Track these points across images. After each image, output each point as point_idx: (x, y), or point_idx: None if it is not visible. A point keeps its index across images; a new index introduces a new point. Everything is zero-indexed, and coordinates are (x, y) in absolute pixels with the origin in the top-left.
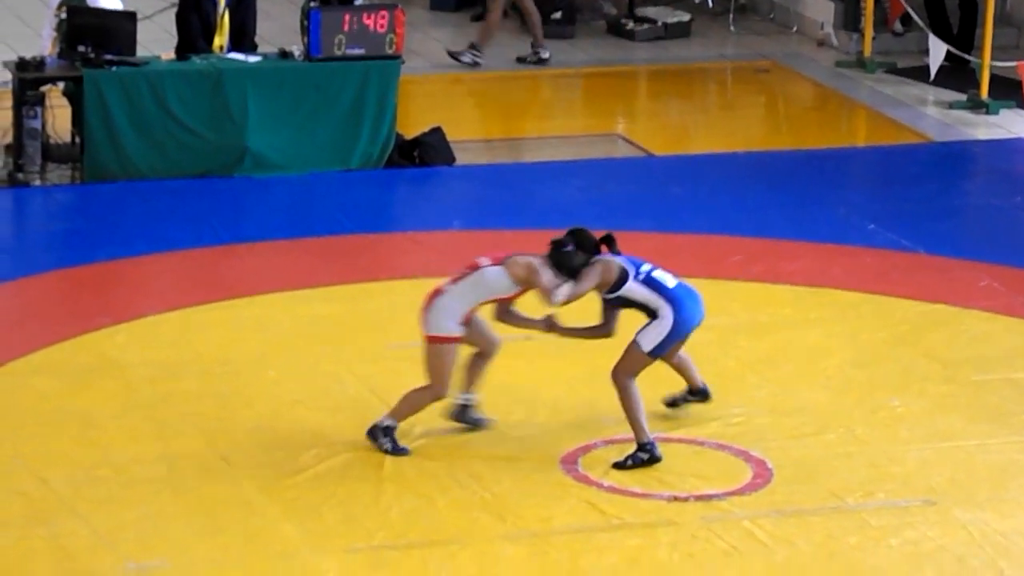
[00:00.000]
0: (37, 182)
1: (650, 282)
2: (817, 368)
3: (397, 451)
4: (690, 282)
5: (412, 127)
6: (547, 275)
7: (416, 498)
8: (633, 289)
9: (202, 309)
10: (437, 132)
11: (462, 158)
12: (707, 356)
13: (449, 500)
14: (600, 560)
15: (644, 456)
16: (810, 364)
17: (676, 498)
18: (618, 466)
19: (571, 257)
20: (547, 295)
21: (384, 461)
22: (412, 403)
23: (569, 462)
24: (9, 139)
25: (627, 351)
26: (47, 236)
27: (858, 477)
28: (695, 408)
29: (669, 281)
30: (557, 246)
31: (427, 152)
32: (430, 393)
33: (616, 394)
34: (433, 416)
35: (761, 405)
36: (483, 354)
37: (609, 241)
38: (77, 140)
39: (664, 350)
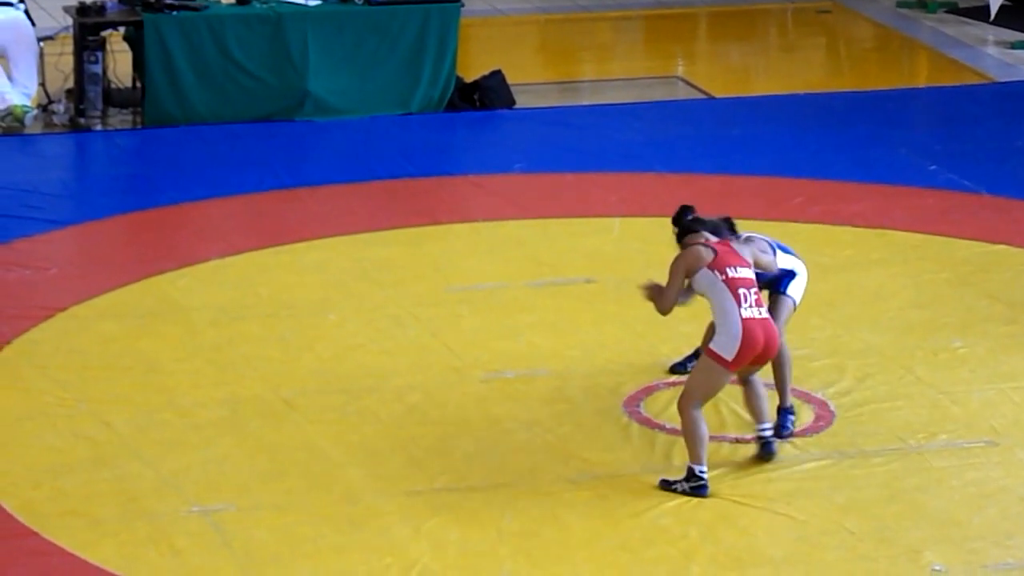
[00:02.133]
0: (98, 127)
1: (783, 248)
2: (879, 310)
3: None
4: (751, 224)
5: (472, 70)
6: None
7: (478, 442)
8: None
9: (264, 253)
10: (497, 75)
11: (522, 101)
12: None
13: (511, 444)
14: (662, 503)
15: (792, 417)
16: (871, 306)
17: (739, 440)
18: (770, 448)
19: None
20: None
21: (448, 405)
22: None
23: (631, 405)
24: (70, 84)
25: (782, 309)
26: (109, 181)
27: (920, 419)
28: None
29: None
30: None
31: (487, 95)
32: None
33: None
34: (492, 361)
35: (823, 347)
36: None
37: (729, 223)
38: (138, 85)
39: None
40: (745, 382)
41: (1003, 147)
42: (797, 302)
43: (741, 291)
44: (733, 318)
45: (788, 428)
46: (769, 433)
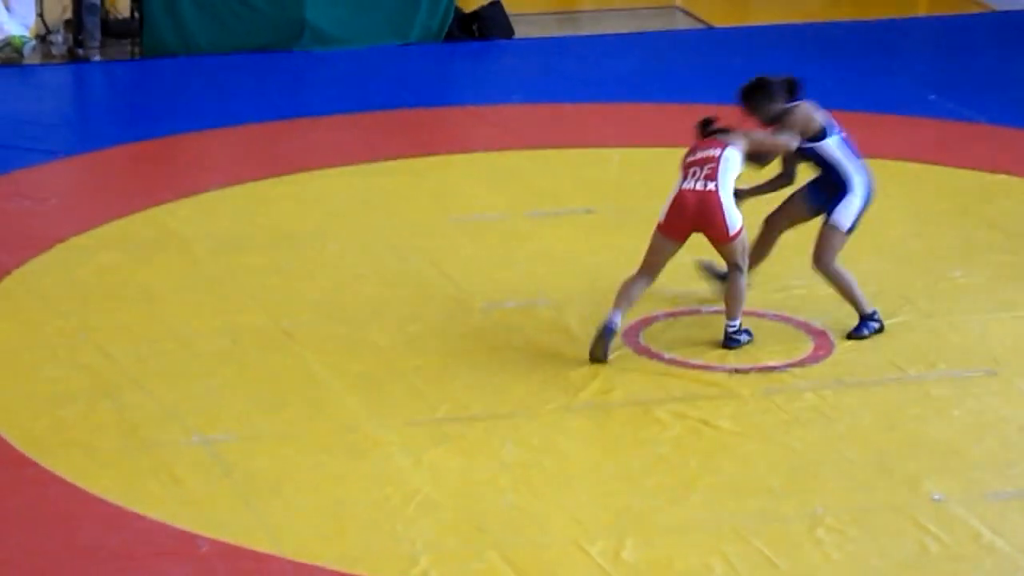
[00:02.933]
0: (97, 57)
1: (845, 145)
2: (878, 239)
3: (750, 337)
4: None
5: (471, 1)
6: (763, 132)
7: (478, 371)
8: (830, 147)
9: (264, 184)
10: (496, 5)
11: (521, 31)
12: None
13: (512, 373)
14: (662, 432)
15: (876, 324)
16: (871, 235)
17: (738, 370)
18: (853, 335)
19: (769, 100)
20: (783, 145)
21: (448, 335)
22: (739, 295)
23: (631, 335)
24: (69, 15)
25: (828, 237)
26: (108, 112)
27: (920, 348)
28: (756, 281)
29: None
30: (750, 95)
31: (486, 25)
32: (741, 273)
33: (828, 282)
34: (493, 291)
35: (821, 277)
36: None
37: (792, 85)
38: (136, 15)
39: (857, 224)
40: (725, 277)
41: (1003, 76)
42: (845, 227)
43: (691, 169)
44: (674, 191)
45: (863, 332)
46: (732, 330)
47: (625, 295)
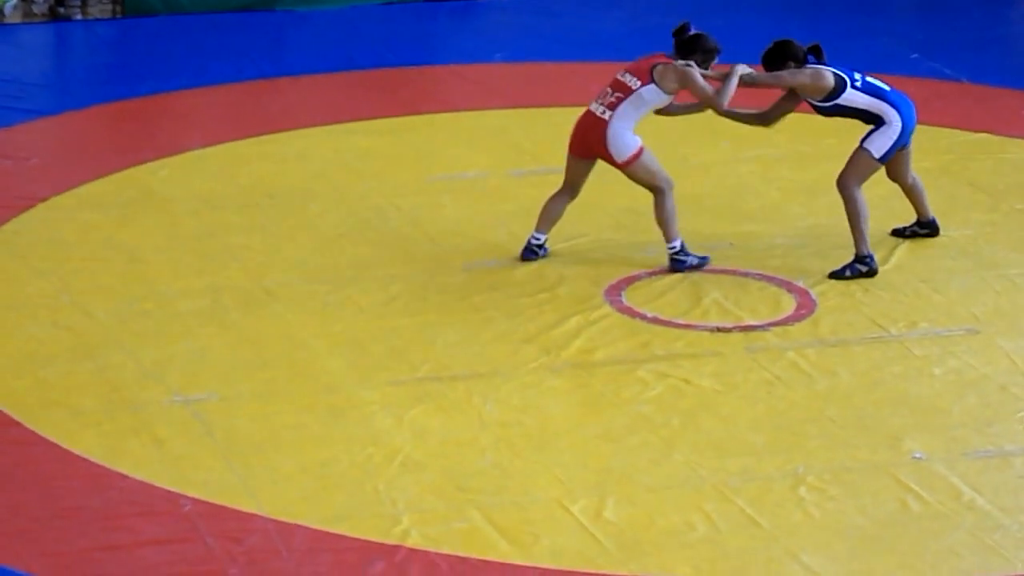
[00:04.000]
0: (78, 16)
1: (869, 88)
2: None
3: (702, 260)
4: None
5: None
6: (701, 80)
7: (460, 331)
8: (854, 97)
9: (245, 143)
10: None
11: None
12: (750, 187)
13: (493, 333)
14: (644, 391)
15: (863, 268)
16: None
17: (720, 329)
18: (834, 275)
19: (699, 41)
20: (711, 100)
21: (429, 295)
22: (667, 216)
23: (613, 293)
24: None
25: (856, 159)
26: (89, 71)
27: (901, 307)
28: (739, 239)
29: (885, 86)
30: (680, 35)
31: None
32: (662, 195)
33: (843, 203)
34: (474, 250)
35: (804, 235)
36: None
37: (817, 51)
38: None
39: (891, 155)
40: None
41: (984, 35)
42: (876, 154)
43: (605, 89)
44: None
45: (845, 273)
46: (673, 251)
47: (546, 214)
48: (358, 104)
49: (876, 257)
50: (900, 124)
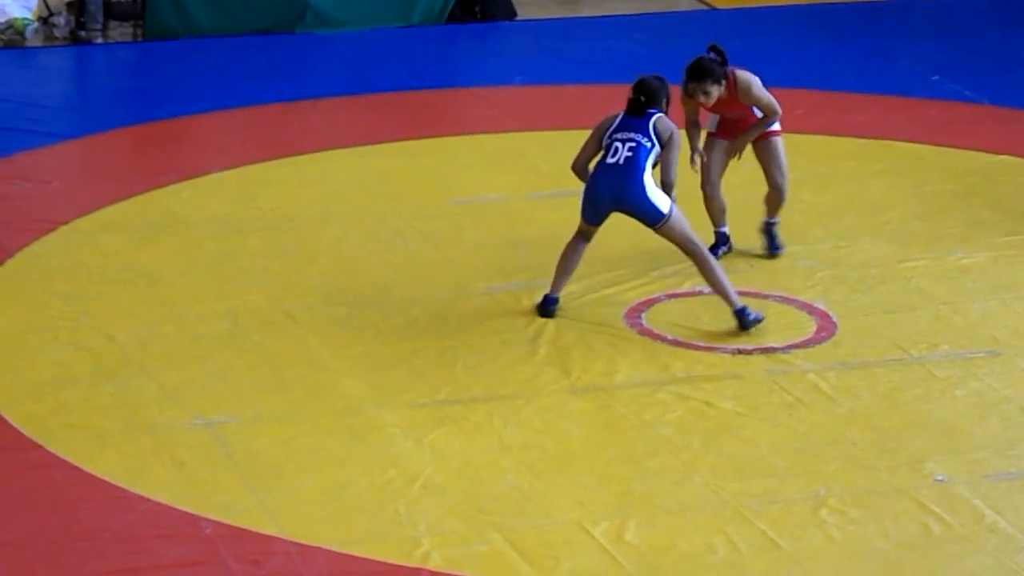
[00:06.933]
0: (99, 40)
1: (605, 148)
2: (881, 220)
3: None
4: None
5: None
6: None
7: (480, 354)
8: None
9: (265, 166)
10: None
11: (523, 12)
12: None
13: (513, 355)
14: (665, 414)
15: (538, 306)
16: (874, 216)
17: (741, 351)
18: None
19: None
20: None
21: (450, 317)
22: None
23: (633, 316)
24: None
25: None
26: (110, 94)
27: (922, 329)
28: (759, 261)
29: (611, 156)
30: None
31: (488, 7)
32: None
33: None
34: (494, 273)
35: (825, 258)
36: None
37: (633, 105)
38: None
39: (590, 219)
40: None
41: (1006, 57)
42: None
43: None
44: None
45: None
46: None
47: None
48: (378, 127)
49: (898, 278)
50: (583, 194)
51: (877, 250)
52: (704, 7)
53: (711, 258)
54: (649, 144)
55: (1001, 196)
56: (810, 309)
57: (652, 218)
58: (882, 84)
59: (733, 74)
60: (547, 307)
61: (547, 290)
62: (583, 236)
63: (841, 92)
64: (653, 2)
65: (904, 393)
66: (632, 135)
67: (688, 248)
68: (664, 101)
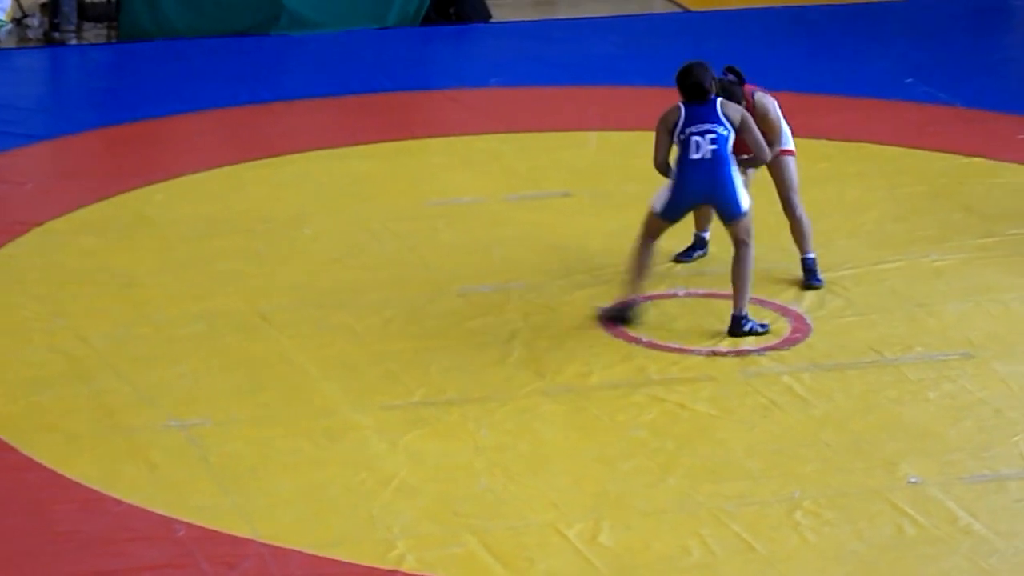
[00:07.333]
0: (73, 41)
1: (682, 145)
2: (855, 222)
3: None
4: None
5: None
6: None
7: (455, 355)
8: (675, 145)
9: (240, 168)
10: None
11: (498, 14)
12: None
13: (488, 357)
14: (639, 416)
15: (616, 312)
16: (848, 218)
17: (715, 353)
18: (602, 313)
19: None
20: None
21: (424, 319)
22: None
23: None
24: None
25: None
26: (84, 95)
27: (896, 331)
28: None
29: (695, 152)
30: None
31: (463, 9)
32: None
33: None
34: (469, 275)
35: (800, 260)
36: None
37: (695, 90)
38: None
39: (672, 216)
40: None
41: (978, 60)
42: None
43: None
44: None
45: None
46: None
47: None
48: (353, 129)
49: (871, 280)
50: (671, 190)
51: (852, 252)
52: (679, 9)
53: (752, 258)
54: (726, 132)
55: (974, 198)
56: (784, 311)
57: (732, 213)
58: (856, 86)
59: (752, 95)
60: (626, 312)
61: (617, 297)
62: (654, 235)
63: (816, 94)
64: (628, 4)
65: (878, 395)
66: (708, 126)
67: (744, 241)
68: (715, 85)
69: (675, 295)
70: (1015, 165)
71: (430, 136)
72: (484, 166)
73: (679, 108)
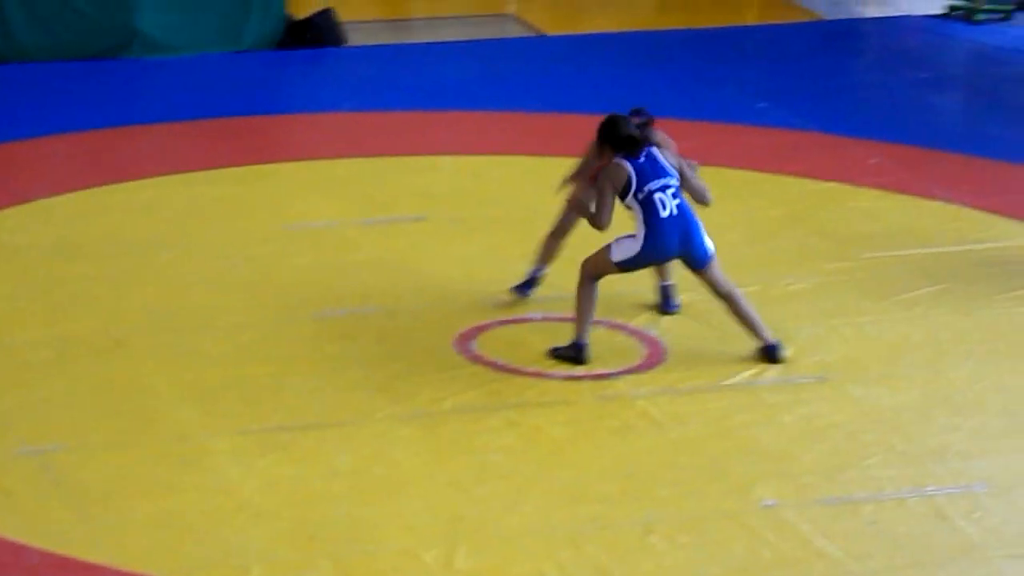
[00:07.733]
0: None
1: (645, 204)
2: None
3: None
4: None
5: (303, 7)
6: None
7: (311, 380)
8: (630, 204)
9: (94, 192)
10: (328, 13)
11: (353, 39)
12: (599, 234)
13: (343, 382)
14: (496, 440)
15: (572, 353)
16: None
17: (571, 377)
18: (553, 353)
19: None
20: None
21: (280, 343)
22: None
23: (463, 342)
24: None
25: (601, 249)
26: None
27: (752, 355)
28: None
29: (663, 210)
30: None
31: (319, 33)
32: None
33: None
34: (324, 299)
35: (654, 284)
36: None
37: (631, 143)
38: None
39: (631, 268)
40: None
41: (831, 85)
42: (615, 258)
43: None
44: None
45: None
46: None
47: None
48: (209, 152)
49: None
50: (640, 248)
51: None
52: (534, 33)
53: (742, 296)
54: (675, 181)
55: (828, 222)
56: (640, 336)
57: (703, 260)
58: (710, 111)
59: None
60: (582, 352)
61: (575, 337)
62: (599, 277)
63: (670, 119)
64: (484, 28)
65: (733, 419)
66: (663, 180)
67: (728, 292)
68: (639, 132)
69: (531, 320)
70: (868, 189)
71: (285, 160)
72: (339, 190)
73: (623, 166)
